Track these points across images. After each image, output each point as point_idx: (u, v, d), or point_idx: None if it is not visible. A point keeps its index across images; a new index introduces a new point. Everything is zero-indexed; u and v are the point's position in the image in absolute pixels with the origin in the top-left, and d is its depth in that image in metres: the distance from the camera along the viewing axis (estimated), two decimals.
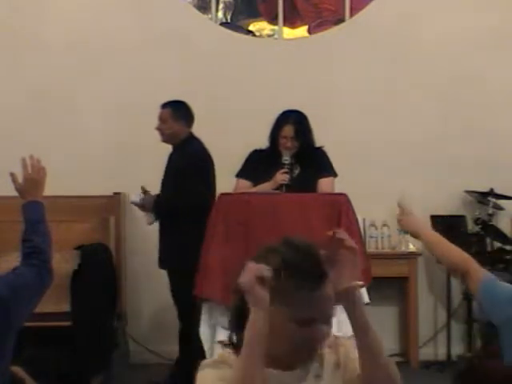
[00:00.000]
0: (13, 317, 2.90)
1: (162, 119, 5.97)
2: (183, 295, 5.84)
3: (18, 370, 3.05)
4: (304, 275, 2.09)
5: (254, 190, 5.41)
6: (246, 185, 5.44)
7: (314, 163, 5.46)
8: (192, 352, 5.92)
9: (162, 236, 5.89)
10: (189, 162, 5.83)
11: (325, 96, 6.91)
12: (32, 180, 3.20)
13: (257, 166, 5.43)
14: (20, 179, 3.26)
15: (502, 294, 3.02)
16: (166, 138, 5.98)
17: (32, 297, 3.01)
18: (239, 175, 5.49)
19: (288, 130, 5.43)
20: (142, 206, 5.84)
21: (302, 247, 2.15)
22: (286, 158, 5.38)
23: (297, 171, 5.47)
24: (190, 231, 5.65)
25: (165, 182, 5.88)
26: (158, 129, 5.97)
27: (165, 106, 5.99)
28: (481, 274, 3.12)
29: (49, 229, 3.16)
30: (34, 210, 3.15)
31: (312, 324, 2.11)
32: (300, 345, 2.14)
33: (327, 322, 2.15)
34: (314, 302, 2.10)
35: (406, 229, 3.44)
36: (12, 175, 3.25)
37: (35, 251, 3.05)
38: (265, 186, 5.35)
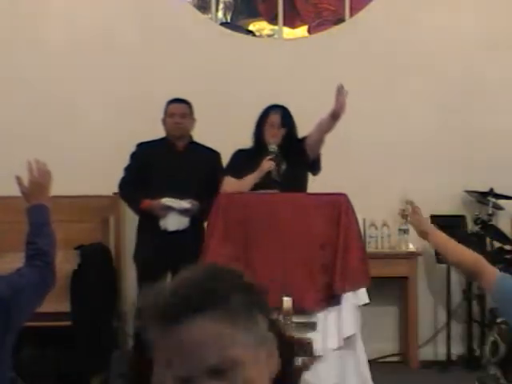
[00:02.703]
0: (13, 317, 2.90)
1: (181, 114, 5.91)
2: None
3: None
4: (157, 316, 1.43)
5: (241, 182, 5.38)
6: (232, 181, 5.44)
7: (299, 158, 5.46)
8: None
9: (189, 237, 5.71)
10: (219, 165, 5.84)
11: (324, 96, 6.89)
12: (37, 183, 3.21)
13: (242, 163, 5.44)
14: (25, 182, 3.25)
15: None
16: (184, 133, 5.92)
17: (34, 298, 3.01)
18: (226, 172, 5.50)
19: (275, 117, 5.47)
20: (187, 210, 5.70)
21: (163, 283, 1.48)
22: (273, 147, 5.39)
23: (284, 167, 5.48)
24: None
25: (195, 183, 5.76)
26: (179, 123, 5.88)
27: (181, 101, 5.95)
28: (494, 274, 3.14)
29: (53, 231, 3.17)
30: (38, 213, 3.16)
31: (190, 382, 1.40)
32: None
33: (216, 375, 1.40)
34: (176, 349, 1.40)
35: (417, 227, 3.46)
36: (18, 179, 3.25)
37: (39, 253, 3.06)
38: (251, 177, 5.35)
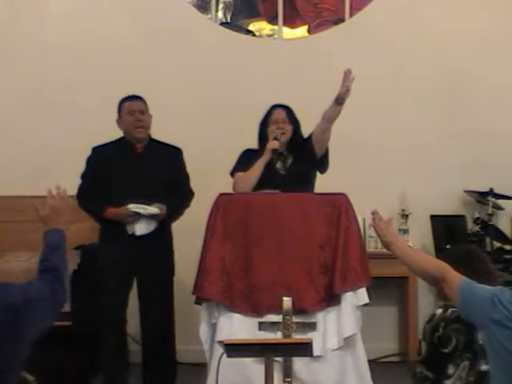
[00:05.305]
0: (26, 326, 2.92)
1: (141, 110, 5.60)
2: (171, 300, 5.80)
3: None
4: None
5: (250, 170, 5.36)
6: (241, 174, 5.42)
7: (306, 156, 5.45)
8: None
9: (156, 240, 5.56)
10: (182, 162, 5.73)
11: (325, 96, 6.90)
12: (55, 209, 3.29)
13: (250, 160, 5.43)
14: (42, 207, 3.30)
15: (480, 296, 3.05)
16: (147, 133, 5.64)
17: (44, 310, 3.03)
18: (235, 170, 5.49)
19: (278, 113, 5.47)
20: (155, 215, 5.48)
21: None
22: (277, 132, 5.39)
23: (289, 161, 5.48)
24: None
25: (159, 184, 5.54)
26: (141, 120, 5.57)
27: (137, 97, 5.64)
28: (457, 279, 3.16)
29: (67, 255, 3.25)
30: (54, 237, 3.24)
31: None
32: None
33: None
34: None
35: (383, 236, 3.50)
36: (36, 208, 3.30)
37: (50, 268, 3.14)
38: (260, 162, 5.35)
